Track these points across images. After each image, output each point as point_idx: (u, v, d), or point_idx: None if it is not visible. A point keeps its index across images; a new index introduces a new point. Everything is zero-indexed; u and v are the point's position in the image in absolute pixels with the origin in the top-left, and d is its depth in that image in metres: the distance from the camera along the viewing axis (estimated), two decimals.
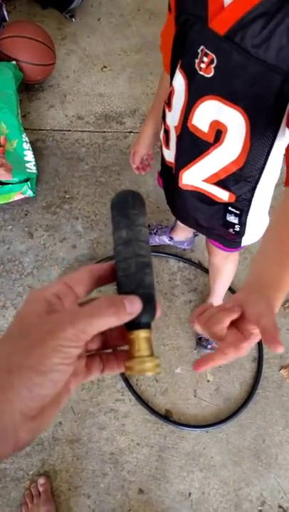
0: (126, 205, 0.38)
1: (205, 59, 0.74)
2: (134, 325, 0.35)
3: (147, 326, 0.36)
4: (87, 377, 0.36)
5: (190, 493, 1.43)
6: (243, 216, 0.99)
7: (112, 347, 0.38)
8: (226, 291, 1.58)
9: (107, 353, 0.37)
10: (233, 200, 0.96)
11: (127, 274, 0.36)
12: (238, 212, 0.99)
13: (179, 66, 0.81)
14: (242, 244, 1.11)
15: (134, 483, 1.43)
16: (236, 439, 1.50)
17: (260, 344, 1.63)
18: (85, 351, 0.36)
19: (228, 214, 1.01)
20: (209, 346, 1.57)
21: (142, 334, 0.35)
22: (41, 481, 1.38)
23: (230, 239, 1.10)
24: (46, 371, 0.29)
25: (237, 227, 1.03)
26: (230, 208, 0.99)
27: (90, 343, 0.36)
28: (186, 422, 1.51)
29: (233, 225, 1.03)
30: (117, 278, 0.37)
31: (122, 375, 1.51)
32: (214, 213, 1.02)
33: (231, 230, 1.04)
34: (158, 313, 0.37)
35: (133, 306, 0.33)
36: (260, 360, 1.61)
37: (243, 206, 0.97)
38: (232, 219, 1.01)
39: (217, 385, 1.58)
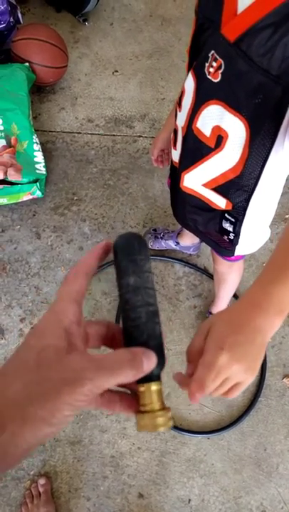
0: (133, 251, 0.37)
1: (214, 64, 0.75)
2: (145, 378, 0.34)
3: (158, 378, 0.35)
4: (83, 408, 0.35)
5: (190, 500, 1.42)
6: (237, 225, 1.00)
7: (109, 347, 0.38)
8: (231, 298, 1.58)
9: (110, 392, 0.36)
10: (229, 207, 0.97)
11: (137, 324, 0.35)
12: (233, 220, 1.00)
13: (191, 68, 0.82)
14: (236, 254, 1.12)
15: (134, 487, 1.42)
16: (237, 447, 1.50)
17: None
18: None
19: (224, 221, 1.02)
20: None
21: (153, 387, 0.34)
22: (42, 481, 1.38)
23: (225, 247, 1.11)
24: (56, 423, 0.29)
25: (231, 235, 1.04)
26: (226, 215, 1.00)
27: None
28: (187, 427, 1.51)
29: (228, 232, 1.04)
30: (125, 327, 0.36)
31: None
32: (211, 218, 1.03)
33: (226, 238, 1.06)
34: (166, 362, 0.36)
35: (150, 364, 0.32)
36: (263, 368, 1.61)
37: (238, 215, 0.98)
38: (227, 226, 1.02)
39: None
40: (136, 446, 1.47)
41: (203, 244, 1.79)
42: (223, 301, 1.55)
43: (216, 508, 1.42)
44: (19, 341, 1.60)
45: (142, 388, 0.34)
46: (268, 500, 1.44)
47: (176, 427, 1.49)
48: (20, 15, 2.11)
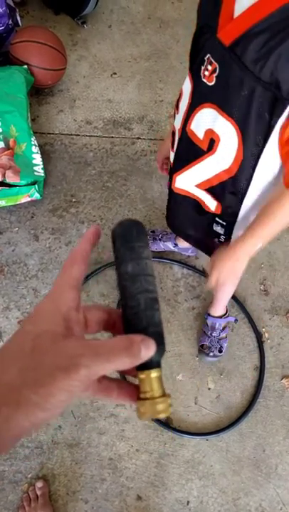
0: (131, 238, 0.36)
1: (209, 67, 0.75)
2: (145, 365, 0.34)
3: (158, 365, 0.35)
4: (80, 396, 0.35)
5: (188, 502, 1.42)
6: (228, 229, 1.01)
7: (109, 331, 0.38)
8: (230, 299, 1.58)
9: (108, 379, 0.36)
10: (219, 211, 0.98)
11: (136, 311, 0.35)
12: (224, 223, 1.01)
13: (189, 71, 0.83)
14: None
15: (132, 489, 1.42)
16: (236, 448, 1.50)
17: (261, 353, 1.63)
18: None
19: (214, 224, 1.02)
20: (211, 354, 1.57)
21: (153, 374, 0.34)
22: (39, 484, 1.38)
23: (215, 248, 1.11)
24: (50, 408, 0.29)
25: (222, 238, 1.04)
26: (217, 219, 1.01)
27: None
28: (186, 429, 1.51)
29: (218, 235, 1.04)
30: (124, 315, 0.36)
31: (123, 377, 1.50)
32: (202, 221, 1.04)
33: (216, 241, 1.06)
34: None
35: (148, 352, 0.32)
36: (261, 369, 1.61)
37: (229, 218, 0.99)
38: (218, 229, 1.03)
39: (218, 392, 1.58)
40: (134, 448, 1.47)
41: None
42: (221, 303, 1.55)
43: (215, 510, 1.41)
44: None
45: (142, 375, 0.35)
46: (267, 502, 1.44)
47: (174, 429, 1.49)
48: (19, 17, 2.12)
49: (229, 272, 0.97)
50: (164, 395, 0.34)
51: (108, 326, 0.37)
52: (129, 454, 1.46)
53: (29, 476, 1.41)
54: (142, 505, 1.40)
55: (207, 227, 1.04)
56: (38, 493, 1.36)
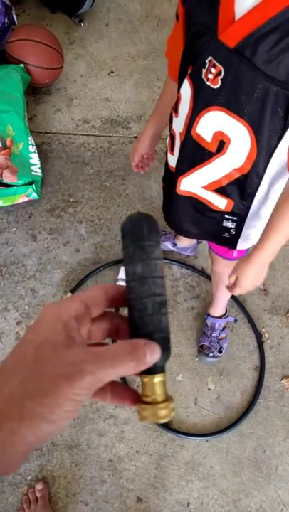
0: (141, 236, 0.35)
1: (212, 70, 0.74)
2: (149, 370, 0.33)
3: (162, 370, 0.34)
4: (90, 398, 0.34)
5: (188, 503, 1.41)
6: (240, 221, 1.00)
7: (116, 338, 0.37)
8: (229, 299, 1.57)
9: (116, 383, 0.35)
10: (230, 209, 0.96)
11: (142, 315, 0.34)
12: (235, 218, 0.99)
13: (187, 74, 0.81)
14: (237, 247, 1.10)
15: (132, 491, 1.41)
16: (236, 449, 1.49)
17: (261, 353, 1.62)
18: None
19: (224, 221, 1.01)
20: (211, 354, 1.56)
21: (156, 379, 0.34)
22: (39, 486, 1.37)
23: (226, 239, 1.09)
24: (56, 420, 0.28)
25: (233, 231, 1.03)
26: (226, 216, 0.99)
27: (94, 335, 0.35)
28: (186, 430, 1.50)
29: (229, 229, 1.03)
30: (130, 316, 0.35)
31: (123, 380, 1.50)
32: (209, 220, 1.02)
33: (227, 234, 1.05)
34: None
35: (153, 357, 0.32)
36: (261, 369, 1.60)
37: (241, 212, 0.97)
38: (229, 224, 1.02)
39: (218, 393, 1.57)
40: (134, 449, 1.46)
41: (201, 245, 1.78)
42: (221, 303, 1.54)
43: (216, 511, 1.41)
44: (15, 345, 1.58)
45: (145, 379, 0.34)
46: (268, 503, 1.43)
47: (174, 430, 1.48)
48: (15, 16, 2.10)
49: (254, 279, 0.97)
50: (166, 399, 0.34)
51: (111, 333, 0.36)
52: (129, 455, 1.45)
53: (29, 478, 1.40)
54: (142, 507, 1.40)
55: (216, 226, 1.03)
56: (38, 495, 1.36)
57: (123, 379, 1.50)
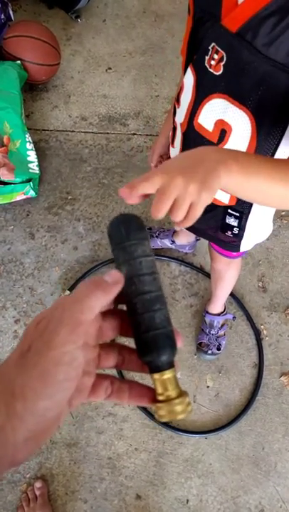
0: (120, 237, 0.35)
1: (215, 56, 0.73)
2: (155, 368, 0.33)
3: (169, 365, 0.34)
4: (90, 397, 0.34)
5: (188, 500, 1.41)
6: (243, 218, 0.99)
7: (129, 370, 0.37)
8: (228, 297, 1.57)
9: (120, 380, 0.35)
10: (233, 202, 0.95)
11: (133, 316, 0.34)
12: (238, 214, 0.98)
13: (190, 63, 0.80)
14: (241, 249, 1.10)
15: (131, 488, 1.41)
16: (235, 446, 1.49)
17: (260, 350, 1.62)
18: (96, 367, 0.34)
19: (227, 216, 1.00)
20: (210, 352, 1.56)
21: (166, 375, 0.34)
22: (38, 484, 1.37)
23: (229, 241, 1.09)
24: (51, 394, 0.27)
25: (236, 230, 1.02)
26: (229, 211, 0.98)
27: (104, 360, 0.35)
28: (184, 427, 1.50)
29: (232, 227, 1.02)
30: (128, 314, 0.35)
31: (120, 374, 1.49)
32: (212, 216, 1.01)
33: (229, 233, 1.04)
34: (179, 344, 0.35)
35: (113, 277, 0.33)
36: (260, 366, 1.60)
37: (243, 208, 0.96)
38: (231, 221, 1.00)
39: (217, 390, 1.57)
40: (133, 447, 1.46)
41: (199, 242, 1.77)
42: (220, 300, 1.54)
43: (215, 508, 1.41)
44: (13, 343, 1.58)
45: (155, 377, 0.34)
46: (267, 499, 1.43)
47: (173, 427, 1.48)
48: (11, 12, 2.09)
49: (201, 174, 0.54)
50: (180, 395, 0.33)
51: (123, 330, 0.36)
52: (128, 453, 1.45)
53: (28, 476, 1.40)
54: (141, 504, 1.40)
55: (219, 222, 1.02)
56: (37, 493, 1.36)
57: (120, 372, 1.50)
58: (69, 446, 1.45)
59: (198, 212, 0.49)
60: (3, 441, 0.26)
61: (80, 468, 1.42)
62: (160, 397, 0.33)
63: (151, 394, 0.34)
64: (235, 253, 1.18)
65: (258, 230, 1.07)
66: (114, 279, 0.32)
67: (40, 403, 0.27)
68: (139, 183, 0.47)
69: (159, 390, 0.33)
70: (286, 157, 0.84)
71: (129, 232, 0.35)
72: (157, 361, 0.33)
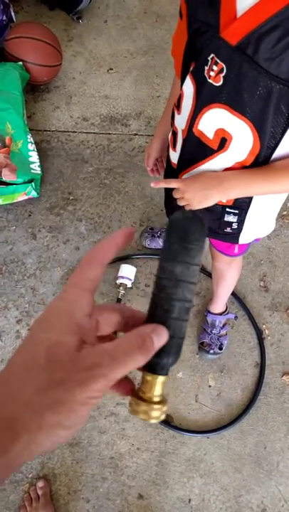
0: (190, 237, 0.33)
1: (215, 67, 0.73)
2: (156, 369, 0.33)
3: (167, 372, 0.34)
4: None
5: (190, 500, 1.41)
6: (242, 214, 0.99)
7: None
8: (230, 296, 1.57)
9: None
10: (231, 202, 0.96)
11: (167, 316, 0.33)
12: (236, 211, 0.99)
13: (189, 71, 0.80)
14: (240, 241, 1.09)
15: (133, 488, 1.41)
16: (237, 446, 1.49)
17: (262, 350, 1.62)
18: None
19: (226, 215, 1.01)
20: (211, 351, 1.56)
21: (160, 379, 0.34)
22: (40, 484, 1.37)
23: (228, 233, 1.09)
24: (72, 425, 0.28)
25: (235, 225, 1.03)
26: (228, 210, 0.99)
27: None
28: (186, 427, 1.50)
29: (230, 223, 1.03)
30: (153, 314, 0.34)
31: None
32: (211, 214, 1.02)
33: (229, 229, 1.04)
34: None
35: (160, 341, 0.31)
36: (262, 366, 1.60)
37: (242, 204, 0.97)
38: (230, 219, 1.01)
39: (219, 390, 1.57)
40: (135, 446, 1.46)
41: None
42: (221, 299, 1.54)
43: (217, 508, 1.41)
44: (16, 343, 1.58)
45: (148, 377, 0.34)
46: (269, 499, 1.43)
47: (175, 427, 1.48)
48: (13, 13, 2.09)
49: (202, 195, 0.91)
50: (161, 401, 0.34)
51: (120, 327, 0.36)
52: (130, 452, 1.46)
53: (30, 475, 1.41)
54: (143, 504, 1.40)
55: (218, 221, 1.03)
56: (39, 492, 1.36)
57: None
58: (71, 445, 1.45)
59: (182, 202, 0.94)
60: (13, 463, 0.27)
61: (82, 467, 1.43)
62: (142, 395, 0.34)
63: (130, 385, 0.35)
64: (235, 251, 1.18)
65: (258, 223, 1.07)
66: (159, 345, 0.31)
67: (62, 433, 0.28)
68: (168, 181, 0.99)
69: (146, 389, 0.34)
70: (284, 154, 0.85)
71: (200, 236, 0.34)
72: (163, 365, 0.33)
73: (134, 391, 0.34)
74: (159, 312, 0.33)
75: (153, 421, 0.33)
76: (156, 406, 0.33)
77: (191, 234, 0.33)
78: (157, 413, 0.33)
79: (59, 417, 0.27)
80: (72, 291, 0.31)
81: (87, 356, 0.29)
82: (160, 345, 0.31)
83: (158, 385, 0.34)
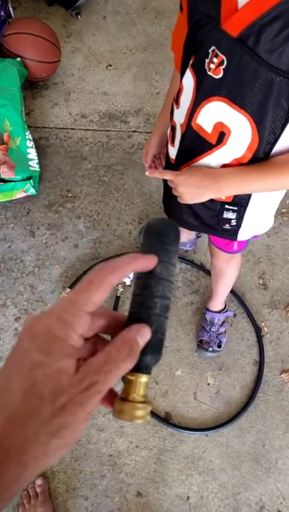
0: (168, 239, 0.36)
1: (215, 60, 0.72)
2: (139, 368, 0.34)
3: (150, 371, 0.35)
4: None
5: (188, 497, 1.42)
6: (241, 211, 0.99)
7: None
8: (228, 294, 1.57)
9: None
10: (230, 199, 0.96)
11: (150, 313, 0.34)
12: (236, 208, 0.98)
13: (189, 65, 0.80)
14: (238, 237, 1.09)
15: (132, 485, 1.42)
16: (236, 443, 1.49)
17: (261, 347, 1.62)
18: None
19: (225, 212, 1.00)
20: (210, 349, 1.56)
21: (143, 379, 0.34)
22: (39, 481, 1.37)
23: (227, 230, 1.08)
24: (72, 443, 0.30)
25: (234, 222, 1.02)
26: (227, 206, 0.99)
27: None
28: (185, 424, 1.50)
29: (229, 220, 1.02)
30: (135, 312, 0.35)
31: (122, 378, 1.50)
32: (209, 211, 1.01)
33: (227, 226, 1.04)
34: None
35: (143, 340, 0.33)
36: (261, 363, 1.60)
37: (241, 201, 0.97)
38: (229, 215, 1.01)
39: (217, 388, 1.57)
40: (134, 444, 1.46)
41: (200, 240, 1.77)
42: (220, 297, 1.54)
43: (215, 505, 1.41)
44: (14, 341, 1.58)
45: (131, 377, 0.34)
46: (267, 496, 1.44)
47: (174, 425, 1.48)
48: (11, 9, 2.08)
49: (195, 192, 0.91)
50: (145, 402, 0.34)
51: (102, 330, 0.36)
52: (129, 450, 1.46)
53: None
54: (142, 501, 1.40)
55: (216, 217, 1.02)
56: (38, 490, 1.36)
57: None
58: None
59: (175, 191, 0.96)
60: (25, 484, 0.29)
61: (80, 465, 1.43)
62: (126, 396, 0.34)
63: (115, 394, 0.35)
64: (234, 247, 1.18)
65: (257, 220, 1.06)
66: (143, 341, 0.33)
67: (64, 451, 0.30)
68: (163, 173, 0.97)
69: (130, 389, 0.34)
70: (283, 150, 0.85)
71: (176, 239, 0.36)
72: (146, 363, 0.34)
73: (117, 397, 0.35)
74: (142, 309, 0.35)
75: (139, 421, 0.33)
76: (140, 405, 0.33)
77: (169, 237, 0.36)
78: (142, 412, 0.33)
79: (63, 440, 0.29)
80: (72, 310, 0.31)
81: (84, 376, 0.30)
82: (144, 342, 0.33)
83: (142, 384, 0.34)
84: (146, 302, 0.35)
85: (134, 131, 2.04)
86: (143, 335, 0.33)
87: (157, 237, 0.36)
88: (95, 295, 0.31)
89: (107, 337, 0.36)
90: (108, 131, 2.04)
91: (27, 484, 0.31)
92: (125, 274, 0.33)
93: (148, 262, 0.35)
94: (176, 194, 0.96)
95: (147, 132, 2.04)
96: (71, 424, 0.29)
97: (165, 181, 1.15)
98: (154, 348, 0.34)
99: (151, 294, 0.35)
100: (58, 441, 0.28)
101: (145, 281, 0.35)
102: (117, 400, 0.34)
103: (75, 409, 0.29)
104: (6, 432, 0.27)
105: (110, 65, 2.23)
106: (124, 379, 0.35)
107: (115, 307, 1.63)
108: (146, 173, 0.99)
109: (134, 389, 0.34)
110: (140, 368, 0.34)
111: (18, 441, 0.27)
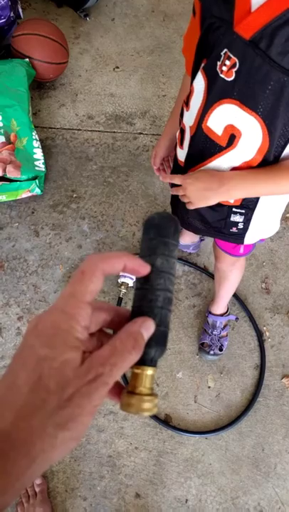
0: (167, 233, 0.36)
1: (227, 62, 0.73)
2: (144, 361, 0.34)
3: (156, 364, 0.35)
4: None
5: (187, 500, 1.42)
6: (248, 214, 0.99)
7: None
8: (231, 298, 1.57)
9: None
10: (239, 202, 0.96)
11: (153, 306, 0.35)
12: (243, 211, 0.99)
13: (201, 67, 0.80)
14: (245, 241, 1.09)
15: (131, 487, 1.42)
16: (235, 447, 1.49)
17: (262, 352, 1.62)
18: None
19: (232, 215, 1.00)
20: (212, 352, 1.56)
21: (149, 371, 0.35)
22: (38, 481, 1.38)
23: (233, 233, 1.08)
24: (81, 435, 0.30)
25: (241, 225, 1.02)
26: (234, 209, 0.99)
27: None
28: (185, 427, 1.50)
29: (236, 223, 1.02)
30: (138, 306, 0.35)
31: (124, 377, 1.50)
32: (217, 214, 1.02)
33: (234, 229, 1.04)
34: None
35: (148, 332, 0.33)
36: (262, 368, 1.60)
37: (249, 205, 0.97)
38: (237, 218, 1.01)
39: (218, 391, 1.57)
40: (133, 446, 1.46)
41: (203, 243, 1.78)
42: (223, 300, 1.54)
43: (214, 508, 1.41)
44: (17, 340, 1.59)
45: (137, 370, 0.35)
46: (266, 501, 1.43)
47: (173, 427, 1.48)
48: (20, 10, 2.10)
49: (203, 194, 0.92)
50: (152, 394, 0.35)
51: (106, 324, 0.37)
52: (128, 451, 1.46)
53: None
54: (140, 503, 1.40)
55: (223, 221, 1.02)
56: (37, 489, 1.36)
57: (127, 382, 1.51)
58: None
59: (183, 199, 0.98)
60: (33, 479, 0.29)
61: (80, 465, 1.43)
62: (133, 389, 0.34)
63: (122, 387, 0.36)
64: (241, 251, 1.18)
65: (264, 223, 1.06)
66: (148, 334, 0.33)
67: (71, 443, 0.30)
68: (173, 177, 0.98)
69: (136, 382, 0.34)
70: None
71: (175, 232, 0.37)
72: (151, 355, 0.34)
73: (124, 390, 0.35)
74: (145, 303, 0.35)
75: (146, 413, 0.33)
76: (147, 398, 0.34)
77: (169, 230, 0.36)
78: (149, 404, 0.33)
79: (70, 432, 0.29)
80: (72, 303, 0.32)
81: (89, 368, 0.30)
82: (148, 335, 0.33)
83: (148, 377, 0.34)
84: (148, 295, 0.35)
85: (140, 133, 2.05)
86: (147, 328, 0.33)
87: (157, 231, 0.36)
88: (90, 285, 0.32)
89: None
90: (114, 132, 2.04)
91: (35, 480, 0.30)
92: (117, 266, 0.34)
93: (140, 266, 0.35)
94: (184, 200, 0.96)
95: (153, 134, 2.05)
96: (78, 416, 0.29)
97: (172, 185, 1.15)
98: (159, 340, 0.34)
99: (152, 288, 0.35)
100: (65, 434, 0.28)
101: (146, 275, 0.35)
102: (124, 393, 0.34)
103: (81, 401, 0.29)
104: (13, 425, 0.28)
105: (118, 67, 2.23)
106: (125, 377, 0.35)
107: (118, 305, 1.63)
108: (160, 178, 1.01)
109: (140, 382, 0.34)
110: (146, 360, 0.34)
111: (25, 434, 0.28)
